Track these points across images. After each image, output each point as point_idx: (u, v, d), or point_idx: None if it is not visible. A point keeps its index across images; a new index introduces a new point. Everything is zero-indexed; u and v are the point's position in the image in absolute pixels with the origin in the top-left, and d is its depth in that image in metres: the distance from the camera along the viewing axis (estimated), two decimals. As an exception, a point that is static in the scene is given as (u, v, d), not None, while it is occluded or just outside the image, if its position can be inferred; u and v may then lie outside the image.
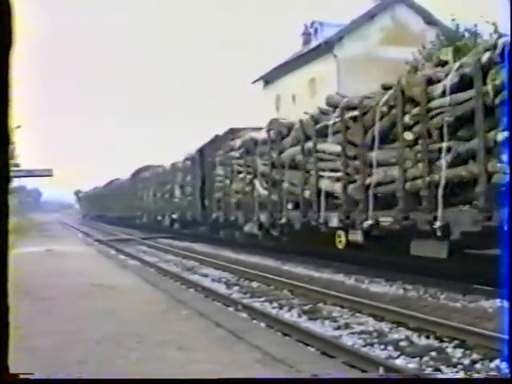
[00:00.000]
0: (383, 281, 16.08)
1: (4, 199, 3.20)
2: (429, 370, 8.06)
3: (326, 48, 43.79)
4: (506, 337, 6.00)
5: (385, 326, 10.80)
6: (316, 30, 49.92)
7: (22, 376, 3.70)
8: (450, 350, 9.07)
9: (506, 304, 11.41)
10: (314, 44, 48.07)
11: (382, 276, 16.55)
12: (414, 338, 9.91)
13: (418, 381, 5.94)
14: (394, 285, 15.43)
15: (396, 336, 10.07)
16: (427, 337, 9.90)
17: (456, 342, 9.39)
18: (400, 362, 8.51)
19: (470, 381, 5.68)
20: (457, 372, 7.97)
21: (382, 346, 9.37)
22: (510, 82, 7.87)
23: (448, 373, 7.96)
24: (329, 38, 44.78)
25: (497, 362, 8.27)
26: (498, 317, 11.17)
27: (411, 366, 8.30)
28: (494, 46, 12.08)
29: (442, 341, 9.57)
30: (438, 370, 8.08)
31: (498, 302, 12.40)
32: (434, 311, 11.73)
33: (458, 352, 8.89)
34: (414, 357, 8.70)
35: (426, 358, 8.60)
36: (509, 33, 8.95)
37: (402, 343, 9.54)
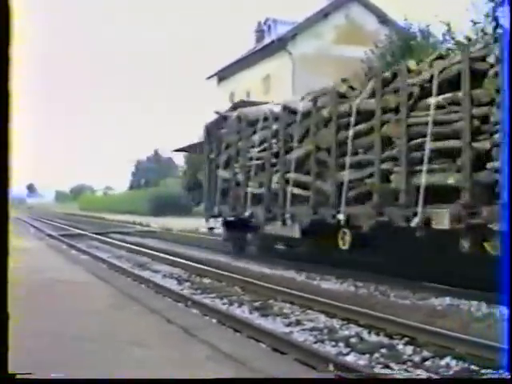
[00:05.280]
0: (334, 278, 16.17)
1: (4, 205, 3.15)
2: (379, 367, 8.10)
3: (280, 45, 43.92)
4: (506, 337, 5.99)
5: (336, 323, 10.85)
6: (269, 27, 50.06)
7: (20, 376, 3.65)
8: (400, 347, 9.14)
9: (505, 305, 10.99)
10: (267, 41, 48.18)
11: (333, 273, 16.66)
12: (365, 334, 9.96)
13: (419, 381, 5.98)
14: (344, 282, 15.51)
15: (347, 333, 10.11)
16: (378, 334, 9.96)
17: (406, 339, 9.46)
18: (350, 358, 8.55)
19: (470, 381, 5.73)
20: (406, 369, 8.02)
21: (333, 343, 9.40)
22: (510, 81, 7.87)
23: (396, 369, 7.99)
24: (282, 35, 44.92)
25: (447, 359, 8.35)
26: (448, 314, 11.30)
27: (361, 362, 8.33)
28: None
29: (392, 338, 9.64)
30: (387, 366, 8.12)
31: (447, 300, 12.53)
32: (385, 308, 11.81)
33: (409, 349, 8.96)
34: (364, 353, 8.74)
35: (376, 355, 8.64)
36: (509, 32, 8.96)
37: (353, 340, 9.58)
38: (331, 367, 7.60)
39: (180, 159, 75.60)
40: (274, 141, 19.25)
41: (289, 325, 10.84)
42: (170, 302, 12.82)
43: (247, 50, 53.09)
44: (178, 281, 16.56)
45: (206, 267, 18.17)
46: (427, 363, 8.30)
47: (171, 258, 21.17)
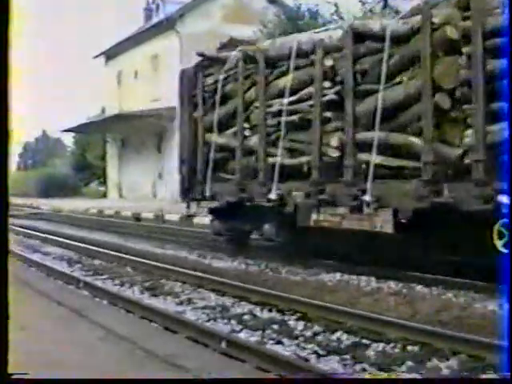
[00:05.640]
0: (226, 256, 16.22)
1: (4, 204, 3.04)
2: (271, 343, 8.18)
3: (168, 24, 43.68)
4: (506, 336, 6.02)
5: (227, 301, 10.89)
6: (158, 6, 49.71)
7: (20, 376, 3.57)
8: (291, 322, 9.22)
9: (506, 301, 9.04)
10: (155, 20, 47.87)
11: (224, 251, 16.73)
12: (257, 311, 10.03)
13: (419, 381, 6.03)
14: (235, 260, 15.58)
15: (239, 310, 10.16)
16: (270, 310, 10.04)
17: (298, 314, 9.58)
18: (243, 335, 8.60)
19: (470, 381, 5.81)
20: (298, 344, 8.11)
21: (226, 320, 9.44)
22: (510, 75, 7.85)
23: (288, 345, 8.09)
24: (170, 14, 44.70)
25: (338, 333, 8.50)
26: (338, 289, 11.49)
27: (253, 339, 8.39)
28: None
29: (283, 314, 9.74)
30: (280, 342, 8.21)
31: (337, 276, 12.73)
32: (276, 285, 11.94)
33: (300, 324, 9.06)
34: (256, 330, 8.80)
35: (268, 331, 8.71)
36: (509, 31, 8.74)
37: (245, 317, 9.62)
38: (224, 345, 7.64)
39: (69, 140, 74.82)
40: (327, 84, 12.88)
41: (180, 304, 10.83)
42: (61, 284, 12.64)
43: (136, 28, 52.60)
44: (69, 263, 16.28)
45: (97, 248, 17.95)
46: (318, 338, 8.42)
47: (62, 240, 20.84)
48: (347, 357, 7.45)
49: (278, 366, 6.72)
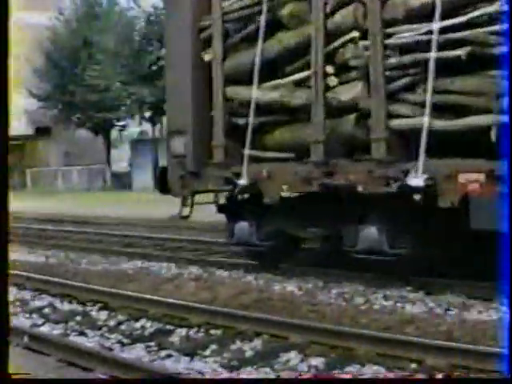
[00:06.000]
0: (25, 248, 15.82)
1: (4, 205, 2.94)
2: (74, 335, 8.08)
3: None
4: (506, 337, 5.98)
5: (27, 294, 10.64)
6: None
7: (20, 376, 3.50)
8: (94, 313, 9.18)
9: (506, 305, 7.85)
10: None
11: (24, 244, 16.34)
12: (58, 303, 9.89)
13: (418, 381, 5.97)
14: (34, 252, 15.23)
15: (39, 303, 9.98)
16: (70, 302, 9.93)
17: (99, 304, 9.51)
18: (45, 328, 8.47)
19: (470, 381, 5.80)
20: (102, 335, 8.06)
21: (27, 315, 9.25)
22: (510, 74, 7.70)
23: (91, 336, 8.02)
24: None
25: (142, 321, 8.50)
26: (139, 278, 11.49)
27: (56, 332, 8.27)
28: None
29: (85, 305, 9.64)
30: (83, 333, 8.12)
31: (138, 264, 12.75)
32: (76, 276, 11.83)
33: (103, 314, 9.01)
34: (58, 323, 8.68)
35: (71, 323, 8.62)
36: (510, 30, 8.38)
37: (46, 310, 9.49)
38: (26, 339, 7.48)
39: None
40: None
41: (-23, 300, 10.48)
42: None
43: None
44: None
45: None
46: (122, 327, 8.40)
47: None
48: (152, 344, 7.50)
49: (82, 357, 6.68)
